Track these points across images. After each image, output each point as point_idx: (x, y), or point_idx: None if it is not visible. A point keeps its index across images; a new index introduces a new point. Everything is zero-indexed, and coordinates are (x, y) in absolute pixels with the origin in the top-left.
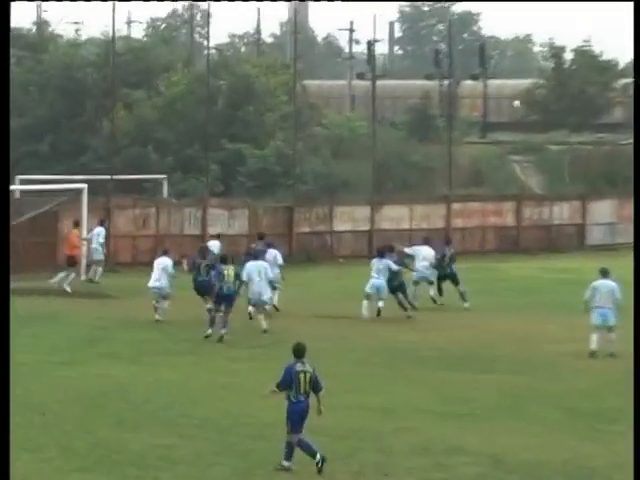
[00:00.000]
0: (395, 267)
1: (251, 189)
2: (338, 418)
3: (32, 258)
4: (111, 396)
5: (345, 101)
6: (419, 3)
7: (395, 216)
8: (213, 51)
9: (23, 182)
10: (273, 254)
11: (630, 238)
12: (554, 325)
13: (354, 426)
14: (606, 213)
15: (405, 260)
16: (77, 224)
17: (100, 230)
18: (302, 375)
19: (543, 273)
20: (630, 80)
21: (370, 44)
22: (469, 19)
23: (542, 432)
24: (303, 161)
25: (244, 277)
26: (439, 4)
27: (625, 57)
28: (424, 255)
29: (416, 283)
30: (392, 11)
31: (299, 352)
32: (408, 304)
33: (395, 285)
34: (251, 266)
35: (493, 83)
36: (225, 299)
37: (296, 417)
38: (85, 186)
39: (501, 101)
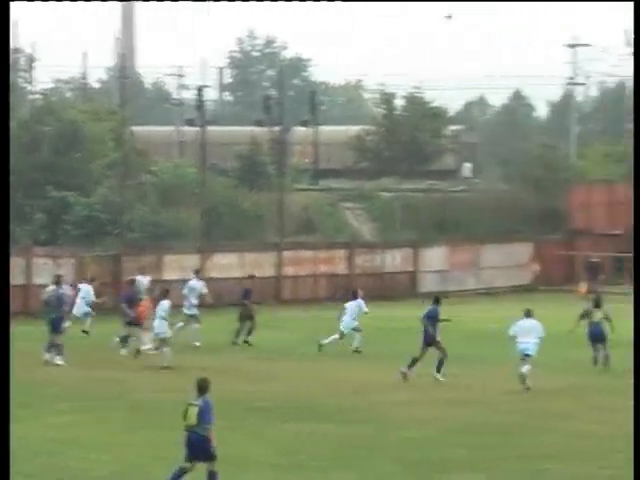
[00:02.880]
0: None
1: (78, 238)
2: (166, 472)
3: None
4: None
5: (174, 148)
6: (249, 49)
7: (225, 264)
8: (37, 96)
9: None
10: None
11: (461, 286)
12: (385, 374)
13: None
14: (437, 260)
15: None
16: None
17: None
18: (190, 408)
19: (375, 322)
20: (459, 127)
21: (199, 90)
22: (299, 65)
23: None
24: (131, 209)
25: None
26: (269, 49)
27: (454, 104)
28: None
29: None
30: (221, 57)
31: (200, 388)
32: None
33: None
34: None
35: (324, 130)
36: None
37: (187, 445)
38: None
39: (332, 148)
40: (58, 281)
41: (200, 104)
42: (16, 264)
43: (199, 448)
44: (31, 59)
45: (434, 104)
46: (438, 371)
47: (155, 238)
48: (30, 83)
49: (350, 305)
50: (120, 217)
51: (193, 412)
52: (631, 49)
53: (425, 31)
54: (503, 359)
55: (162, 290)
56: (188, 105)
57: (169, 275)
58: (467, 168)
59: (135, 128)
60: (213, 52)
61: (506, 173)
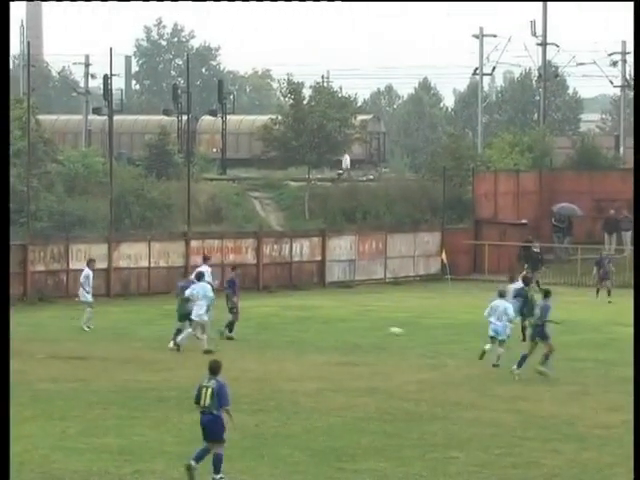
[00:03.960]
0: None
1: None
2: (74, 461)
3: None
4: None
5: (81, 136)
6: (156, 37)
7: (133, 254)
8: None
9: None
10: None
11: (369, 275)
12: (293, 363)
13: (90, 469)
14: (346, 250)
15: None
16: None
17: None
18: (204, 390)
19: (283, 311)
20: (367, 117)
21: (106, 78)
22: (207, 54)
23: (284, 473)
24: (37, 198)
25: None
26: (177, 38)
27: (363, 93)
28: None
29: None
30: (129, 45)
31: (212, 369)
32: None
33: None
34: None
35: (232, 119)
36: None
37: (202, 427)
38: None
39: (240, 137)
40: None
41: (107, 93)
42: None
43: (211, 428)
44: None
45: (342, 94)
46: (542, 364)
47: (62, 227)
48: None
49: (497, 305)
50: (27, 206)
51: (207, 393)
52: (537, 39)
53: (331, 22)
54: (412, 348)
55: (197, 273)
56: (95, 94)
57: (76, 265)
58: (346, 160)
59: (42, 117)
60: (121, 41)
61: (414, 162)
